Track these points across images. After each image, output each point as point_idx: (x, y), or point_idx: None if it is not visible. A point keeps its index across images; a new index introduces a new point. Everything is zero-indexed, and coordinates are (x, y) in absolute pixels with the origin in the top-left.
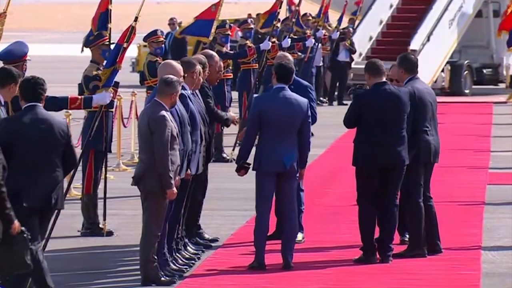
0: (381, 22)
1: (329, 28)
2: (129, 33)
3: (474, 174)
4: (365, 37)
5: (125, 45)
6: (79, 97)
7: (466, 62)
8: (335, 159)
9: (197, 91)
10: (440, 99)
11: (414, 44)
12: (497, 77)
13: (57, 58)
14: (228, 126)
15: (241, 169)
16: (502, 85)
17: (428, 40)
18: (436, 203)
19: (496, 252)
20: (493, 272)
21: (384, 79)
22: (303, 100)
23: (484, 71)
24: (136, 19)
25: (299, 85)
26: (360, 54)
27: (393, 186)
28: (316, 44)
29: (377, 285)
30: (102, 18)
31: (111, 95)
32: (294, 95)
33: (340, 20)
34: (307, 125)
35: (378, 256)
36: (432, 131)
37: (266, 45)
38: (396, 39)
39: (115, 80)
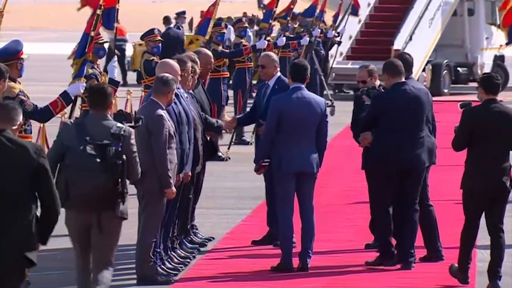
0: (359, 21)
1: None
2: (95, 21)
3: None
4: (345, 36)
5: (92, 33)
6: (57, 99)
7: (445, 61)
8: (331, 158)
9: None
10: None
11: (398, 44)
12: (472, 76)
13: (54, 57)
14: (219, 133)
15: (261, 168)
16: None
17: (411, 39)
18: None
19: None
20: None
21: (403, 79)
22: (321, 100)
23: (460, 70)
24: (100, 7)
25: (284, 84)
26: (341, 54)
27: (412, 190)
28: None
29: (373, 284)
30: (106, 16)
31: (84, 84)
32: (311, 94)
33: (335, 19)
34: (324, 125)
35: (399, 262)
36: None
37: (262, 43)
38: (375, 38)
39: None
